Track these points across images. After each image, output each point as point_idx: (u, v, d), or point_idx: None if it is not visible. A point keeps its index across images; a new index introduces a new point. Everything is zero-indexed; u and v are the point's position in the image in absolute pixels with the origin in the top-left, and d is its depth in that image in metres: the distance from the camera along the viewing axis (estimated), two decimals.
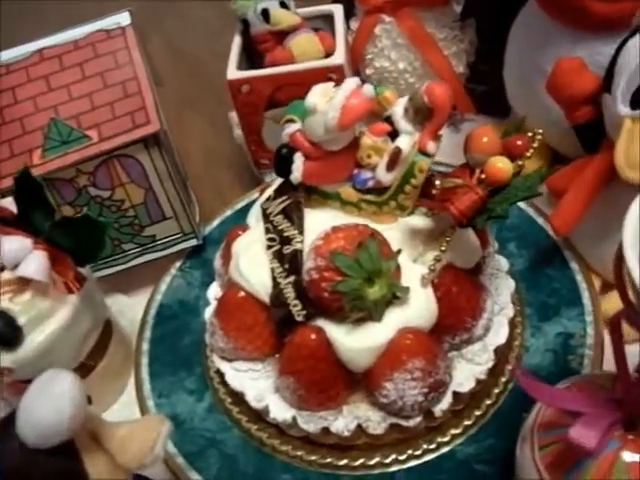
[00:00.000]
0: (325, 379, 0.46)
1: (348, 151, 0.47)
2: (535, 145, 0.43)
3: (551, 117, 0.56)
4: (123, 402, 0.58)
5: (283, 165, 0.48)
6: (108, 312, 0.59)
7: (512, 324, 0.51)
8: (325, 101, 0.45)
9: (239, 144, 0.74)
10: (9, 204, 0.52)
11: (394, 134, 0.46)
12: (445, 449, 0.48)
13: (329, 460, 0.50)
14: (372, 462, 0.49)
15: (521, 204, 0.61)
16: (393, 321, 0.44)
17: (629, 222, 0.29)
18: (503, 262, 0.53)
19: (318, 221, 0.48)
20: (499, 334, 0.49)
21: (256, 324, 0.48)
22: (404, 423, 0.46)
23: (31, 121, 0.58)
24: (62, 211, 0.58)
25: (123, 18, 0.60)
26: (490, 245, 0.51)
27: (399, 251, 0.44)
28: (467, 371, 0.47)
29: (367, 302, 0.43)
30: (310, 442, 0.50)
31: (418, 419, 0.46)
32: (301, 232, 0.47)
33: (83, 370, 0.54)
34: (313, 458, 0.50)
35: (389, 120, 0.47)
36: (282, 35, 0.64)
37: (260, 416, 0.52)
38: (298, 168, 0.48)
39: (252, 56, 0.67)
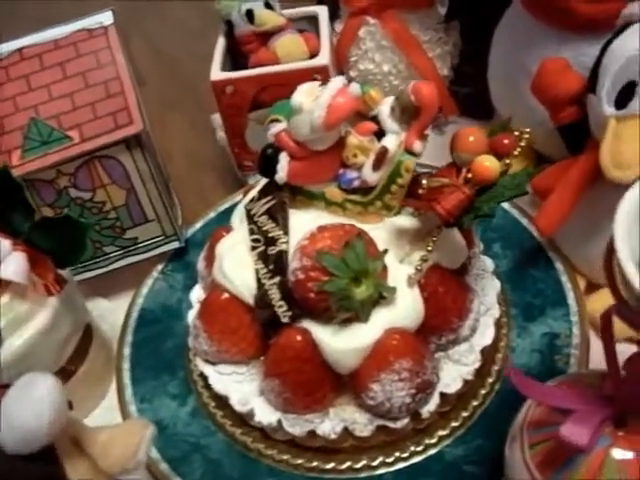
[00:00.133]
0: (311, 381, 0.45)
1: (334, 151, 0.47)
2: (522, 144, 0.42)
3: (535, 118, 0.56)
4: (105, 407, 0.57)
5: (268, 165, 0.48)
6: (89, 316, 0.58)
7: (498, 325, 0.51)
8: (311, 100, 0.44)
9: (222, 146, 0.74)
10: None
11: (380, 133, 0.46)
12: (433, 451, 0.48)
13: (315, 464, 0.49)
14: (359, 465, 0.48)
15: (505, 205, 0.61)
16: (380, 321, 0.44)
17: (621, 214, 0.29)
18: (488, 263, 0.53)
19: (303, 222, 0.47)
20: (485, 335, 0.48)
21: (240, 326, 0.48)
22: (391, 425, 0.46)
23: (10, 121, 0.57)
24: (42, 213, 0.57)
25: (105, 17, 0.60)
26: (475, 245, 0.51)
27: (385, 251, 0.44)
28: (454, 372, 0.47)
29: (354, 302, 0.42)
30: (296, 446, 0.50)
31: (405, 421, 0.46)
32: (286, 232, 0.47)
33: (63, 375, 0.53)
34: (299, 462, 0.49)
35: (375, 119, 0.47)
36: (266, 36, 0.64)
37: (245, 420, 0.51)
38: (283, 168, 0.47)
39: (236, 57, 0.66)
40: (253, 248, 0.47)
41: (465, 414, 0.49)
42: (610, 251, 0.29)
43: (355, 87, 0.44)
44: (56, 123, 0.56)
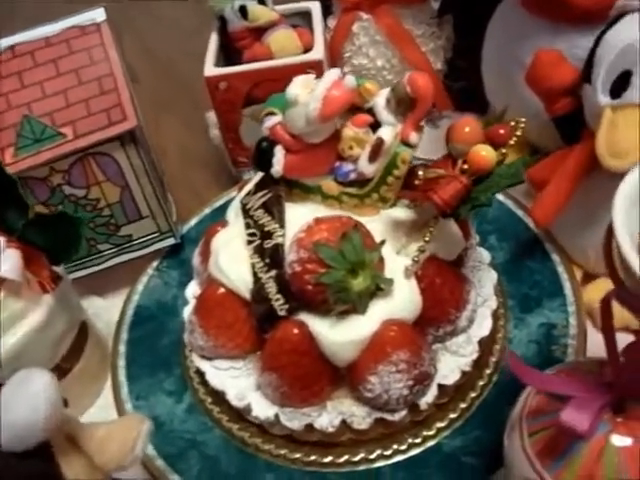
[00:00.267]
0: (308, 374, 0.45)
1: (329, 144, 0.47)
2: (518, 133, 0.42)
3: (530, 110, 0.56)
4: (100, 405, 0.57)
5: (263, 158, 0.48)
6: (84, 313, 0.58)
7: (495, 316, 0.50)
8: (306, 92, 0.44)
9: (216, 144, 0.74)
10: None
11: (376, 125, 0.46)
12: (431, 443, 0.48)
13: (313, 458, 0.49)
14: (357, 458, 0.48)
15: (501, 197, 0.61)
16: (377, 313, 0.44)
17: (619, 198, 0.29)
18: (485, 254, 0.53)
19: (299, 215, 0.47)
20: (483, 326, 0.48)
21: (237, 321, 0.47)
22: (389, 417, 0.46)
23: (3, 119, 0.56)
24: (35, 211, 0.56)
25: (98, 14, 0.59)
26: (472, 237, 0.51)
27: (383, 242, 0.44)
28: (452, 363, 0.47)
29: (351, 294, 0.42)
30: (293, 440, 0.49)
31: (403, 413, 0.46)
32: (282, 226, 0.47)
33: (59, 373, 0.53)
34: (297, 456, 0.49)
35: (371, 112, 0.47)
36: (260, 31, 0.64)
37: (241, 415, 0.51)
38: (279, 161, 0.47)
39: (229, 54, 0.66)
40: (249, 242, 0.47)
41: (463, 405, 0.49)
42: (609, 235, 0.29)
43: (350, 79, 0.44)
44: (49, 120, 0.56)
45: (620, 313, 0.33)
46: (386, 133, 0.45)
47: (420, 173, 0.44)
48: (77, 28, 0.59)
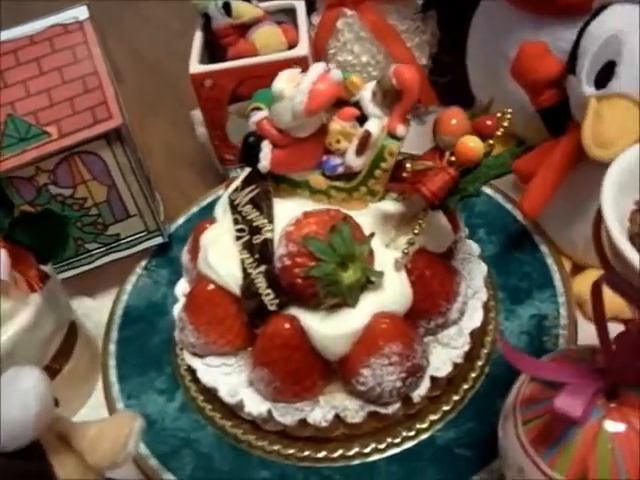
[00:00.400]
0: (300, 369, 0.45)
1: (316, 138, 0.46)
2: (505, 124, 0.43)
3: (516, 103, 0.55)
4: (91, 405, 0.57)
5: (250, 154, 0.47)
6: (73, 313, 0.57)
7: (486, 308, 0.50)
8: (292, 87, 0.44)
9: (202, 143, 0.73)
10: None
11: (362, 119, 0.46)
12: (425, 435, 0.48)
13: (307, 453, 0.49)
14: (351, 452, 0.48)
15: (489, 191, 0.61)
16: (368, 306, 0.44)
17: (607, 185, 0.29)
18: (474, 247, 0.53)
19: (287, 210, 0.47)
20: (474, 318, 0.48)
21: (227, 317, 0.47)
22: (382, 410, 0.45)
23: None
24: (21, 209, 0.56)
25: (81, 12, 0.59)
26: (461, 230, 0.51)
27: (372, 235, 0.44)
28: (444, 355, 0.47)
29: (341, 287, 0.42)
30: (287, 436, 0.49)
31: (396, 406, 0.46)
32: (271, 221, 0.47)
33: (48, 373, 0.50)
34: (290, 452, 0.49)
35: (357, 105, 0.47)
36: (244, 28, 0.64)
37: (234, 412, 0.51)
38: (266, 156, 0.47)
39: (214, 51, 0.66)
40: (238, 238, 0.47)
41: (456, 398, 0.49)
42: (598, 221, 0.30)
43: (336, 73, 0.44)
44: (34, 119, 0.55)
45: (609, 303, 0.34)
46: (373, 126, 0.45)
47: (408, 165, 0.44)
48: (60, 26, 0.58)
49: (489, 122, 0.43)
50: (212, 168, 0.72)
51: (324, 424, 0.46)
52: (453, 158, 0.42)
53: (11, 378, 0.37)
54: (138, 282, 0.62)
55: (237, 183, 0.51)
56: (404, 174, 0.44)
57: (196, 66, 0.63)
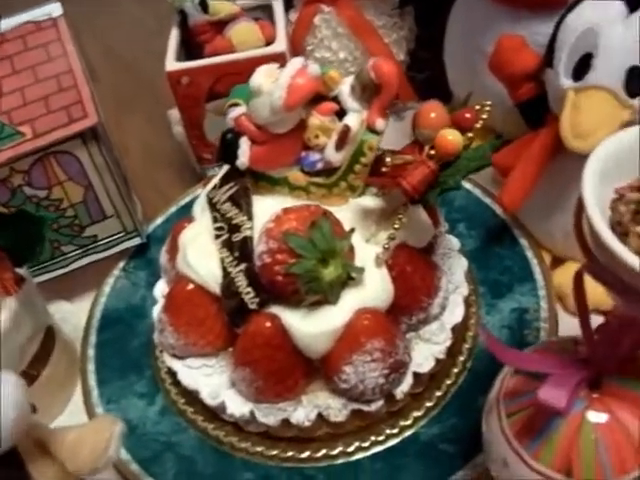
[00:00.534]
0: (282, 368, 0.45)
1: (295, 134, 0.46)
2: (484, 117, 0.42)
3: (494, 98, 0.55)
4: (70, 411, 0.56)
5: (229, 151, 0.47)
6: (50, 317, 0.56)
7: (467, 303, 0.50)
8: (270, 82, 0.44)
9: (179, 142, 0.73)
10: None
11: (341, 114, 0.46)
12: (408, 432, 0.48)
13: (290, 454, 0.48)
14: (335, 452, 0.48)
15: (468, 185, 0.61)
16: (349, 303, 0.43)
17: (588, 172, 0.29)
18: (454, 241, 0.53)
19: (266, 208, 0.46)
20: (455, 313, 0.48)
21: (207, 317, 0.47)
22: (365, 408, 0.45)
23: None
24: None
25: (54, 9, 0.58)
26: (441, 224, 0.51)
27: (352, 230, 0.43)
28: (426, 351, 0.47)
29: (322, 283, 0.42)
30: (269, 437, 0.49)
31: (379, 403, 0.45)
32: (250, 218, 0.46)
33: (26, 379, 0.50)
34: (274, 453, 0.49)
35: (336, 100, 0.46)
36: (221, 25, 0.63)
37: (216, 414, 0.50)
38: (244, 153, 0.46)
39: (191, 48, 0.65)
40: (217, 236, 0.47)
41: (439, 393, 0.49)
42: (579, 211, 0.29)
43: (315, 67, 0.44)
44: (7, 119, 0.54)
45: (590, 295, 0.34)
46: (352, 120, 0.44)
47: (387, 160, 0.43)
48: (32, 23, 0.58)
49: (468, 115, 0.43)
50: (189, 167, 0.72)
51: (307, 424, 0.46)
52: (433, 152, 0.42)
53: None
54: (116, 284, 0.61)
55: (215, 181, 0.50)
56: (384, 168, 0.43)
57: (172, 63, 0.62)
